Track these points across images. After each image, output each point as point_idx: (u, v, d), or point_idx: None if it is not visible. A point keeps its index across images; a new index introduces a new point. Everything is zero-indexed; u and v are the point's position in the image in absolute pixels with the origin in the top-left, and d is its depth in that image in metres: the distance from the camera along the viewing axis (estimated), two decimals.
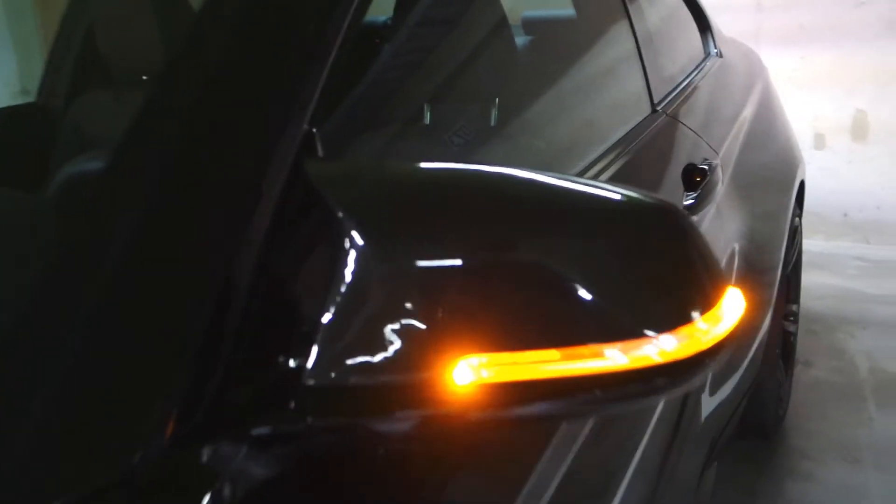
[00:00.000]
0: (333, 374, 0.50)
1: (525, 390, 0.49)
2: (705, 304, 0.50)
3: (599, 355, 0.48)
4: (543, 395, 0.50)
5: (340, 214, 0.51)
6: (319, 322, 0.50)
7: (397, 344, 0.49)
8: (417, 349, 0.49)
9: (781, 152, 2.20)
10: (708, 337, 0.50)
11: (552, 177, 0.55)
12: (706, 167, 1.35)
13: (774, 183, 2.08)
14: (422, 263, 0.50)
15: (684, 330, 0.49)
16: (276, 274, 0.53)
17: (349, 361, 0.50)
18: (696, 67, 1.87)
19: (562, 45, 1.49)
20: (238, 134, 0.57)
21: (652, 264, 0.51)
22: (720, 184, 1.44)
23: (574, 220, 0.52)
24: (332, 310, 0.50)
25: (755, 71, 2.34)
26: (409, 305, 0.49)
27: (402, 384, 0.50)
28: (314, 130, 0.58)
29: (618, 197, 0.53)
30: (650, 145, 1.30)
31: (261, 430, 0.50)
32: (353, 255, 0.50)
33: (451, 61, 1.06)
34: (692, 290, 0.50)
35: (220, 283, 0.51)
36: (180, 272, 0.51)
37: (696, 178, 1.30)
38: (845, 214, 3.79)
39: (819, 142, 3.82)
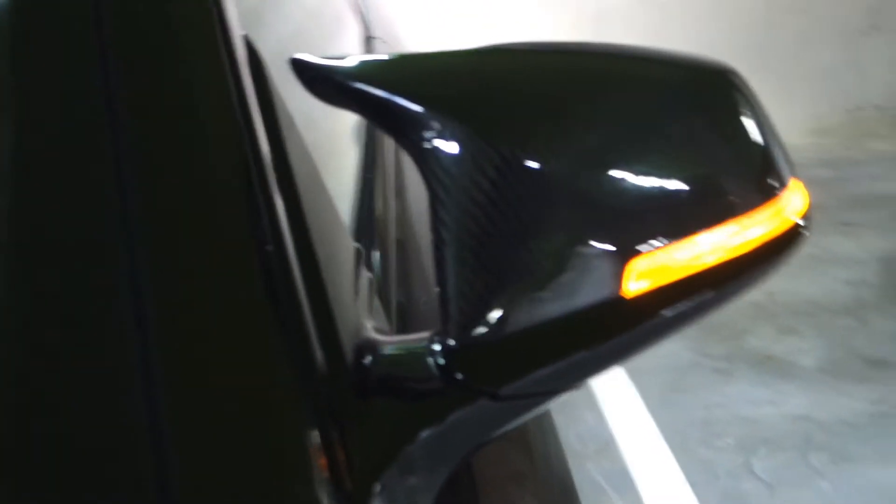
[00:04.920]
0: (480, 329, 0.41)
1: (695, 282, 0.42)
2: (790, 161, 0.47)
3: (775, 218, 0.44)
4: (714, 282, 0.43)
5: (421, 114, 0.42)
6: (444, 266, 0.42)
7: (554, 267, 0.41)
8: (580, 267, 0.41)
9: None
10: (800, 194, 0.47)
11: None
12: None
13: None
14: (563, 162, 0.41)
15: (792, 185, 0.46)
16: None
17: (496, 308, 0.41)
18: None
19: None
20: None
21: (744, 128, 0.45)
22: None
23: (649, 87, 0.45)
24: (454, 244, 0.41)
25: None
26: (551, 215, 0.41)
27: (572, 316, 0.41)
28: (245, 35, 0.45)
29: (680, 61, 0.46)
30: None
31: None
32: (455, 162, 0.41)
33: None
34: (781, 149, 0.47)
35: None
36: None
37: None
38: None
39: None
